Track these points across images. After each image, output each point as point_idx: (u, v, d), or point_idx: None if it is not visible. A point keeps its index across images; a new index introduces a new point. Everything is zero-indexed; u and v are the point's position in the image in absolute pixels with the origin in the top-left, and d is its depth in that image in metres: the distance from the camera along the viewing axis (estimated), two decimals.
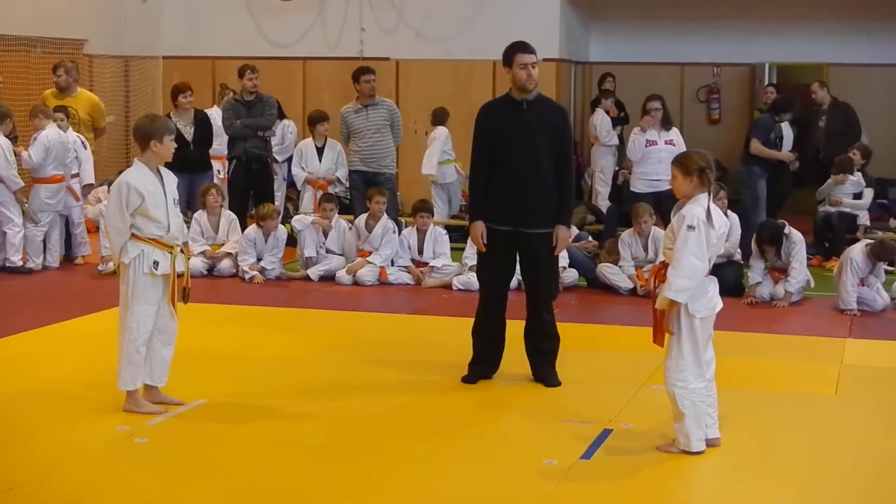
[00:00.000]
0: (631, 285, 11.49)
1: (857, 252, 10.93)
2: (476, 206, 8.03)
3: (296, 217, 13.02)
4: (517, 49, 7.91)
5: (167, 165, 7.32)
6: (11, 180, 12.19)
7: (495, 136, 7.92)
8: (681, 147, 12.32)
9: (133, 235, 7.05)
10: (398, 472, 6.26)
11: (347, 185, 14.01)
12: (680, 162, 6.55)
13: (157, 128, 7.16)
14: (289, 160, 14.85)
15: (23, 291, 11.50)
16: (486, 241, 7.90)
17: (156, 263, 7.04)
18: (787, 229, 11.21)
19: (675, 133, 12.75)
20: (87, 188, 12.99)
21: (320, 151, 13.86)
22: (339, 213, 12.76)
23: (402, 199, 14.60)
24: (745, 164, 14.00)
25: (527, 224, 7.86)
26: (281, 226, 12.57)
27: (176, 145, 7.29)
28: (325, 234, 12.50)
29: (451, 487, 6.07)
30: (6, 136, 12.28)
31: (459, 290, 11.63)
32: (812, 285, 11.38)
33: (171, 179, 7.23)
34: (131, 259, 7.03)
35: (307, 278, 12.21)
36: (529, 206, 7.84)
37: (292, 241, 12.84)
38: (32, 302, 11.03)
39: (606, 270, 11.71)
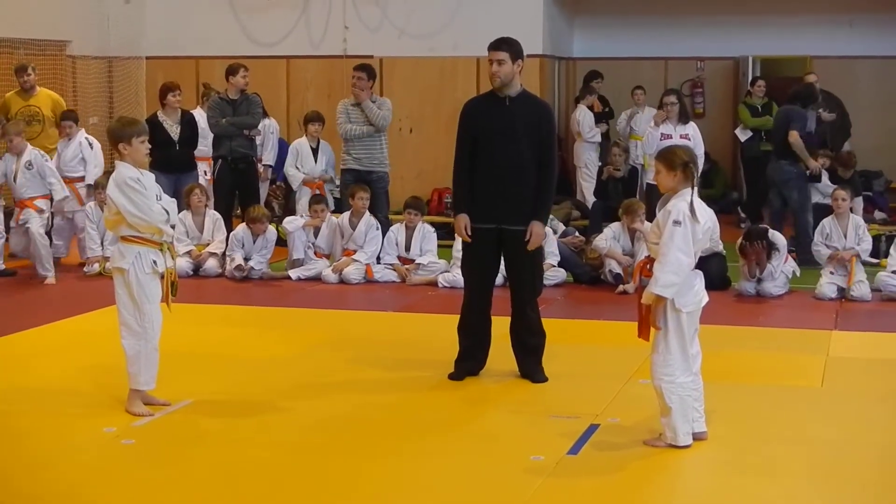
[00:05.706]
0: (619, 270, 11.46)
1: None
2: (459, 200, 8.05)
3: (287, 219, 12.96)
4: (489, 46, 7.95)
5: (152, 164, 7.30)
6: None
7: (478, 132, 7.90)
8: (697, 141, 12.33)
9: (125, 238, 7.07)
10: (385, 471, 6.25)
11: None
12: (663, 157, 6.55)
13: (124, 131, 7.17)
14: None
15: (8, 294, 11.45)
16: (469, 233, 7.91)
17: (154, 262, 7.09)
18: (771, 233, 11.23)
19: (691, 127, 12.74)
20: (89, 189, 12.88)
21: (315, 152, 13.86)
22: (333, 212, 12.74)
23: None
24: (790, 160, 12.98)
25: (510, 221, 7.85)
26: (270, 227, 12.53)
27: (150, 147, 7.30)
28: (316, 234, 12.48)
29: (438, 485, 6.06)
30: None
31: (445, 287, 11.62)
32: (798, 275, 11.40)
33: (150, 178, 7.25)
34: (130, 262, 7.05)
35: (289, 278, 12.19)
36: (512, 203, 7.83)
37: (282, 241, 12.80)
38: (18, 304, 10.98)
39: (600, 246, 11.64)
